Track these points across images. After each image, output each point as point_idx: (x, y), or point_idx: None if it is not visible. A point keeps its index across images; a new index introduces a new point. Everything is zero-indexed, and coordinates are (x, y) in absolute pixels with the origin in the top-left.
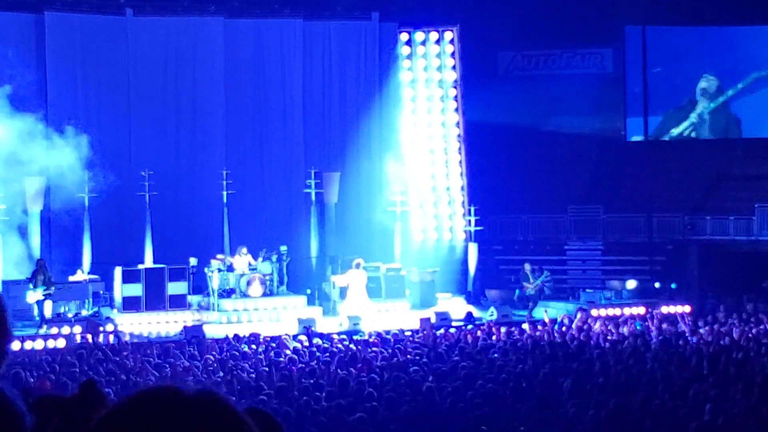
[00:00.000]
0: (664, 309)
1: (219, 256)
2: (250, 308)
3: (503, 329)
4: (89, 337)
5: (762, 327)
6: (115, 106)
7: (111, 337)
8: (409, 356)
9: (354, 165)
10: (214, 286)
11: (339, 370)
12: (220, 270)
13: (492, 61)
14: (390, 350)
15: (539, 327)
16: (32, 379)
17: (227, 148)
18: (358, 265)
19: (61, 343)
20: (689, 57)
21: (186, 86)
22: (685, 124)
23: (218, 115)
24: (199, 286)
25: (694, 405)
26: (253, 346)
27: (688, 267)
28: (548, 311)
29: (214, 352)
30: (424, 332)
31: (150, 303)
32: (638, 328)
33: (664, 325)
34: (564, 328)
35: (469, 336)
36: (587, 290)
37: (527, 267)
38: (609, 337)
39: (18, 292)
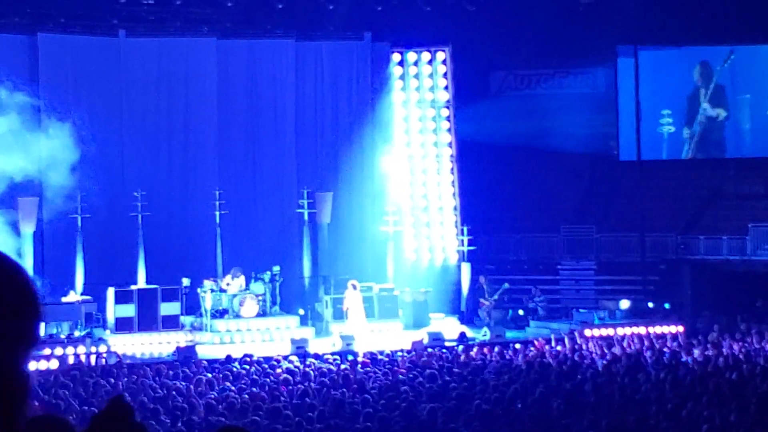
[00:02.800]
0: (658, 329)
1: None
2: (243, 329)
3: (496, 349)
4: (83, 358)
5: (756, 347)
6: (108, 126)
7: (104, 359)
8: (401, 376)
9: (347, 185)
10: (207, 307)
11: (331, 391)
12: (212, 290)
13: (484, 81)
14: (383, 370)
15: (531, 348)
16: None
17: (220, 168)
18: (354, 287)
19: (54, 364)
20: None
21: (179, 107)
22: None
23: (211, 136)
24: (192, 306)
25: (687, 425)
26: (246, 367)
27: (681, 287)
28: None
29: (206, 373)
30: (416, 352)
31: (143, 324)
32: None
33: (657, 345)
34: (558, 348)
35: (462, 356)
36: (580, 310)
37: (482, 279)
38: (603, 361)
39: None
